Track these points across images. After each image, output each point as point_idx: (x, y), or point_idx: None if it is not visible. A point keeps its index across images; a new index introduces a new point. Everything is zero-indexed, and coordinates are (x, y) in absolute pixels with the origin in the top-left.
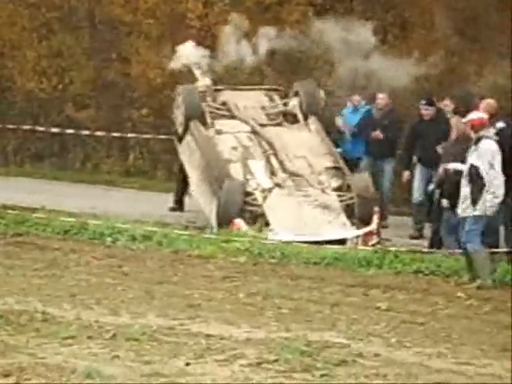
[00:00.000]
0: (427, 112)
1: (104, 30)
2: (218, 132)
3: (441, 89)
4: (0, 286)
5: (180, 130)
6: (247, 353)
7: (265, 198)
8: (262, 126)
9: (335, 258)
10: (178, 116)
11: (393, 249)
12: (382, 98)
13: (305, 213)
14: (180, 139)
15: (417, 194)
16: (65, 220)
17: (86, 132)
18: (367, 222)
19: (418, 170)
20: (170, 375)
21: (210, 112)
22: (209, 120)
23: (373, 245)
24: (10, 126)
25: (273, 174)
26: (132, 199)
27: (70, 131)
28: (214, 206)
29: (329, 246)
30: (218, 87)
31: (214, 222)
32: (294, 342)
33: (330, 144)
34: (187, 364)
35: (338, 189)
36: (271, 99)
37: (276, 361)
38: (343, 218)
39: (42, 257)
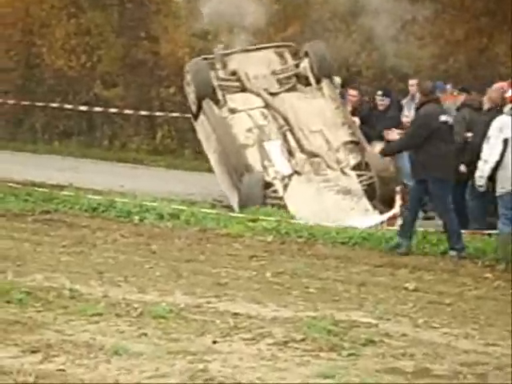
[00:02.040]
0: (382, 103)
1: (133, 8)
2: (232, 111)
3: (470, 69)
4: (28, 262)
5: (194, 108)
6: (274, 332)
7: (285, 187)
8: (275, 94)
9: (363, 238)
10: (190, 94)
11: (420, 229)
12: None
13: (326, 200)
14: (195, 117)
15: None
16: (92, 198)
17: (114, 110)
18: (389, 203)
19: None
20: (196, 353)
21: (220, 86)
22: (221, 97)
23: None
24: (39, 104)
25: (290, 154)
26: (159, 177)
27: (98, 109)
28: (236, 197)
29: (356, 227)
30: (227, 51)
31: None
32: (321, 321)
33: (345, 112)
34: (214, 342)
35: (356, 167)
36: (282, 58)
37: (303, 340)
38: (365, 202)
39: (70, 234)
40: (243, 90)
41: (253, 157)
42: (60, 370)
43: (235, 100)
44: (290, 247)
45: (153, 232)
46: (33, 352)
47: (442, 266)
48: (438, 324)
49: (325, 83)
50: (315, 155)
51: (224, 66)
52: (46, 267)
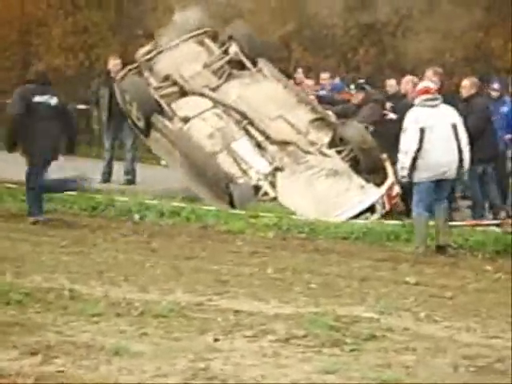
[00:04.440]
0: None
1: (130, 5)
2: (184, 120)
3: (466, 63)
4: (27, 263)
5: (141, 124)
6: (276, 328)
7: (273, 187)
8: (217, 89)
9: (363, 233)
10: (132, 111)
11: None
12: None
13: (319, 188)
14: (146, 133)
15: None
16: (92, 196)
17: None
18: (375, 173)
19: None
20: (198, 351)
21: (161, 96)
22: (166, 107)
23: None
24: None
25: (261, 148)
26: (159, 175)
27: None
28: (225, 205)
29: (357, 221)
30: (148, 56)
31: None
32: (323, 316)
33: (296, 89)
34: (216, 340)
35: (332, 144)
36: (206, 47)
37: (305, 336)
38: (357, 179)
39: (70, 234)
40: (183, 93)
41: (227, 163)
42: (60, 371)
43: (182, 107)
44: (291, 243)
45: (153, 230)
46: (32, 354)
47: (442, 259)
48: (439, 317)
49: (262, 63)
50: (286, 143)
51: (151, 71)
52: (45, 267)
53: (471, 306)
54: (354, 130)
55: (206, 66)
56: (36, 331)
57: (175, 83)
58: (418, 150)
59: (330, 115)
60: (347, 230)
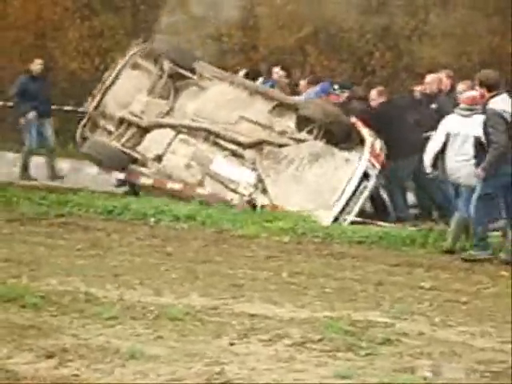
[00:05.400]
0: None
1: (146, 9)
2: (157, 159)
3: (483, 68)
4: (43, 266)
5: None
6: (291, 332)
7: (266, 195)
8: (170, 111)
9: (379, 237)
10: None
11: (437, 228)
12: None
13: (309, 179)
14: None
15: None
16: (107, 200)
17: None
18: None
19: None
20: (213, 355)
21: (124, 145)
22: (135, 154)
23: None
24: (53, 107)
25: (237, 156)
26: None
27: None
28: None
29: (373, 227)
30: (93, 103)
31: None
32: (338, 321)
33: (241, 80)
34: (231, 344)
35: (300, 125)
36: (145, 70)
37: (320, 340)
38: (339, 153)
39: (85, 237)
40: (144, 130)
41: (217, 188)
42: (75, 374)
43: (149, 146)
44: (306, 247)
45: (168, 234)
46: (48, 357)
47: (457, 264)
48: (454, 322)
49: (200, 68)
50: (259, 143)
51: (106, 118)
52: (60, 271)
53: (486, 310)
54: (315, 106)
55: (150, 92)
56: (52, 334)
57: (131, 124)
58: (441, 151)
59: (287, 97)
60: (362, 234)
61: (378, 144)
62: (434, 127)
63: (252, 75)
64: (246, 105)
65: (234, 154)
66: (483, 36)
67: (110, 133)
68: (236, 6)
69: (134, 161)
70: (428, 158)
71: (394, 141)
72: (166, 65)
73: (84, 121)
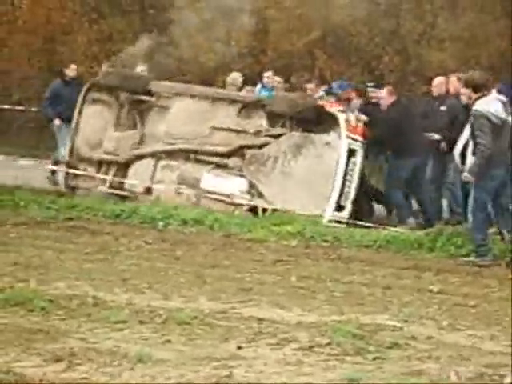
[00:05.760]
0: (375, 95)
1: (154, 13)
2: (147, 192)
3: (491, 72)
4: (51, 270)
5: None
6: (299, 336)
7: (260, 195)
8: (142, 139)
9: (387, 241)
10: None
11: (445, 231)
12: None
13: (299, 177)
14: None
15: None
16: (116, 204)
17: None
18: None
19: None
20: (221, 359)
21: (111, 187)
22: (124, 193)
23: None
24: None
25: (222, 167)
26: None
27: None
28: None
29: (381, 231)
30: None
31: None
32: (347, 325)
33: (200, 89)
34: (239, 348)
35: (271, 122)
36: (106, 104)
37: (328, 344)
38: (318, 138)
39: (93, 241)
40: (124, 165)
41: (213, 205)
42: (84, 378)
43: (134, 179)
44: (314, 251)
45: (177, 238)
46: (56, 361)
47: (466, 268)
48: (462, 326)
49: (155, 87)
50: (239, 149)
51: (83, 161)
52: (69, 275)
53: (495, 314)
54: (280, 100)
55: (116, 125)
56: (60, 338)
57: (110, 163)
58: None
59: (250, 96)
60: (371, 238)
61: (352, 117)
62: (442, 129)
63: (249, 81)
64: (212, 114)
65: (219, 165)
66: (491, 39)
67: (92, 178)
68: (245, 10)
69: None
70: (456, 153)
71: (401, 140)
72: (122, 95)
73: (63, 170)
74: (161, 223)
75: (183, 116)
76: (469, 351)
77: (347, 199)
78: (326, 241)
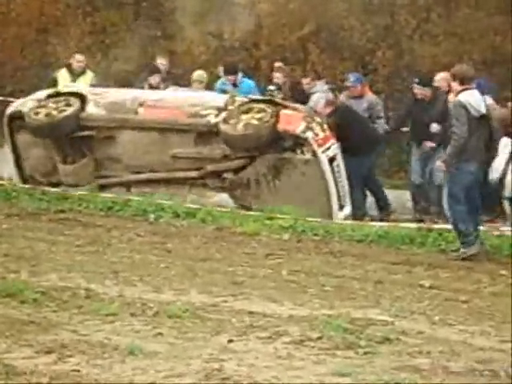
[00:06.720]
0: (420, 92)
1: (148, 6)
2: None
3: (484, 67)
4: (43, 262)
5: None
6: (290, 330)
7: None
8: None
9: (379, 236)
10: None
11: (436, 226)
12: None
13: (291, 191)
14: None
15: (415, 176)
16: (107, 196)
17: None
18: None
19: (414, 151)
20: (212, 352)
21: None
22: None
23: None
24: None
25: (207, 186)
26: None
27: None
28: None
29: (372, 224)
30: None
31: None
32: (337, 319)
33: (152, 115)
34: (230, 341)
35: (232, 149)
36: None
37: (319, 338)
38: (295, 156)
39: (85, 233)
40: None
41: None
42: (74, 370)
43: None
44: (306, 245)
45: (168, 231)
46: (47, 352)
47: (457, 263)
48: (454, 321)
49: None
50: (210, 174)
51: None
52: (60, 267)
53: (486, 309)
54: (228, 126)
55: (62, 158)
56: (51, 330)
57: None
58: None
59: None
60: (362, 232)
61: (316, 128)
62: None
63: (230, 71)
64: (166, 145)
65: (197, 185)
66: (485, 35)
67: None
68: (237, 3)
69: None
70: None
71: (358, 137)
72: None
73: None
74: (152, 216)
75: (135, 147)
76: (460, 346)
77: (345, 197)
78: (317, 235)
